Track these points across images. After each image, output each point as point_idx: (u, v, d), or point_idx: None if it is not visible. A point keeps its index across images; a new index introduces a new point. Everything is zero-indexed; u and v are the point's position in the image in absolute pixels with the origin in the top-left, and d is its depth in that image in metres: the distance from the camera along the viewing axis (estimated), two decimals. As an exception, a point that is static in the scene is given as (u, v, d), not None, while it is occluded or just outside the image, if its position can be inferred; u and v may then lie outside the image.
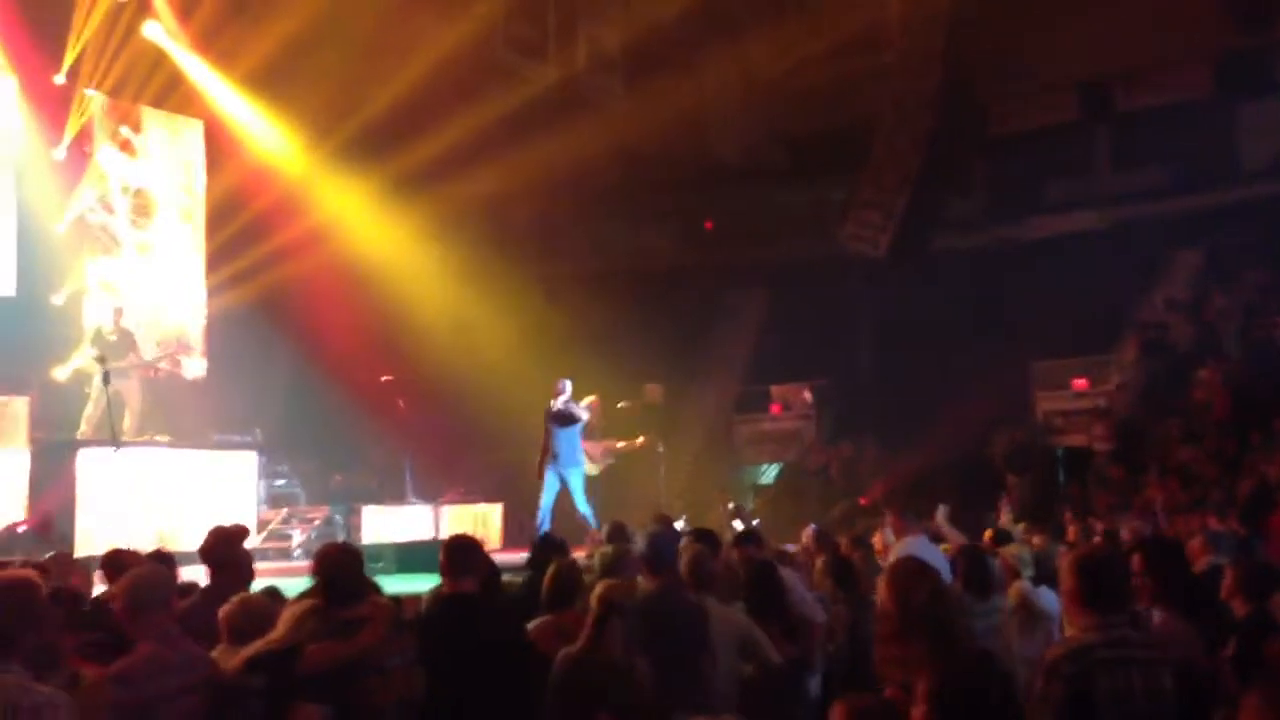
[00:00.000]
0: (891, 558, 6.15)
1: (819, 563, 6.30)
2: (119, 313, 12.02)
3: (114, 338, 11.60)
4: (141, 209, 14.06)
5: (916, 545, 6.23)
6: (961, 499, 10.61)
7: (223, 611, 4.16)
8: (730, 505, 12.65)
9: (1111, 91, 16.50)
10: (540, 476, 10.79)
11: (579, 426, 10.89)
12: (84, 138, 13.47)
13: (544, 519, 10.66)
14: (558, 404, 10.74)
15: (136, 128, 14.04)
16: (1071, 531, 8.08)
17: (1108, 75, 16.34)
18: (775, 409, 16.87)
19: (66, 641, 3.95)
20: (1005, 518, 9.89)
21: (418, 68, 13.18)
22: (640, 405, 13.12)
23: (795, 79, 14.79)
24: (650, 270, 17.35)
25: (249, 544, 5.85)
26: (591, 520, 10.75)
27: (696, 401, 16.51)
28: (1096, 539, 7.73)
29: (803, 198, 17.32)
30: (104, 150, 13.57)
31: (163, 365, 12.95)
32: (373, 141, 13.93)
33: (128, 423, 11.36)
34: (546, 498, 10.74)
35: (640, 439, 12.72)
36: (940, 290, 15.44)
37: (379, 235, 14.50)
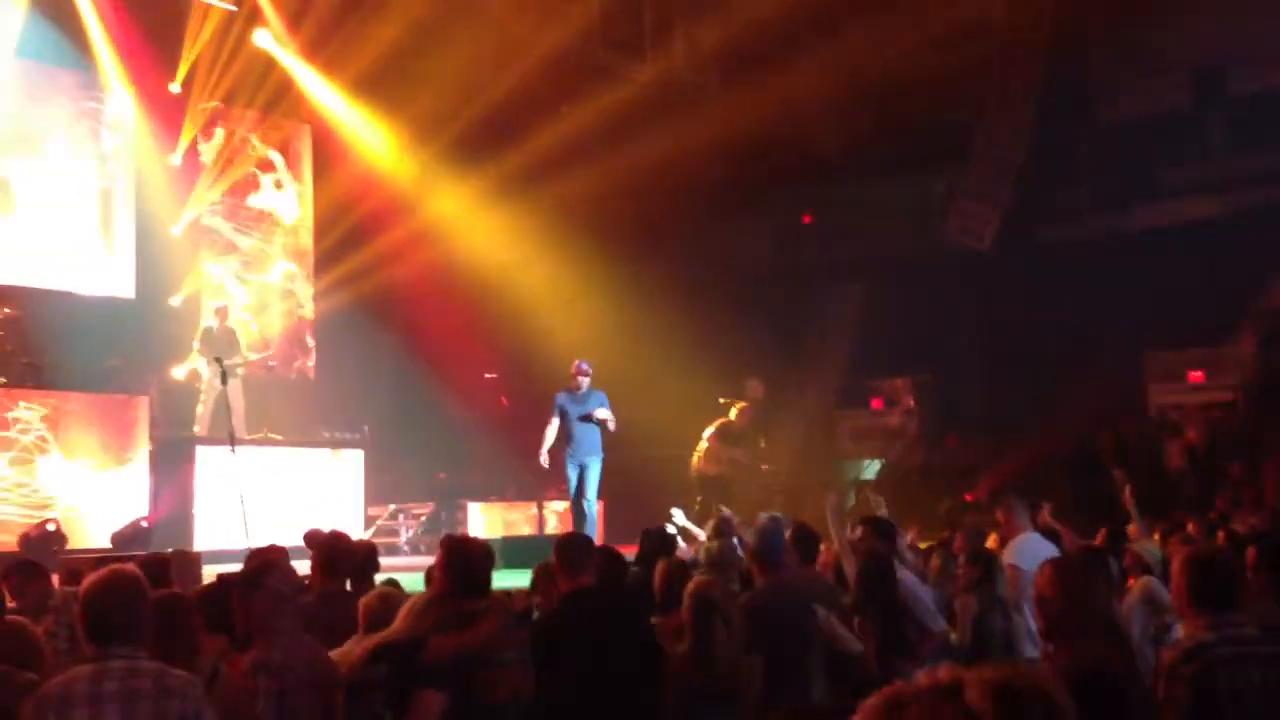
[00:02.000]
0: (1006, 556, 6.04)
1: (959, 557, 6.18)
2: (223, 312, 12.35)
3: (220, 337, 11.93)
4: (253, 213, 14.49)
5: (1030, 542, 6.09)
6: (1073, 495, 10.38)
7: (363, 602, 4.30)
8: (865, 494, 12.11)
9: (1224, 75, 15.99)
10: (549, 464, 10.13)
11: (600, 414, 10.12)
12: (197, 143, 13.93)
13: (577, 516, 10.07)
14: (584, 387, 9.99)
15: (249, 135, 14.47)
16: (1192, 527, 7.84)
17: (1220, 58, 15.82)
18: (876, 403, 16.69)
19: (205, 639, 4.09)
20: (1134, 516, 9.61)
21: (518, 70, 13.31)
22: (755, 409, 12.93)
23: (895, 70, 14.56)
24: (749, 266, 17.29)
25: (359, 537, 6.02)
26: (592, 518, 10.15)
27: (797, 396, 16.40)
28: (1220, 534, 7.50)
29: (904, 191, 17.09)
30: (218, 156, 14.03)
31: (271, 364, 13.30)
32: (476, 144, 14.11)
33: (234, 421, 11.70)
34: (572, 489, 10.06)
35: (764, 466, 12.56)
36: (1048, 282, 15.11)
37: (482, 236, 14.69)
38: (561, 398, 10.01)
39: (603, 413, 9.94)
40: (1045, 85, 15.17)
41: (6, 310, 10.95)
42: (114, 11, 12.59)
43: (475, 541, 4.55)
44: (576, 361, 10.07)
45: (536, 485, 12.64)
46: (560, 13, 13.60)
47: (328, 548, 5.42)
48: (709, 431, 11.46)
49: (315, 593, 5.11)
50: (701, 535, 9.93)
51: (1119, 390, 14.62)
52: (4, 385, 10.29)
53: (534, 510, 12.91)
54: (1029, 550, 5.82)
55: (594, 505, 10.16)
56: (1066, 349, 14.43)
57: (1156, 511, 9.47)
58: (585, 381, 9.96)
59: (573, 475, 10.00)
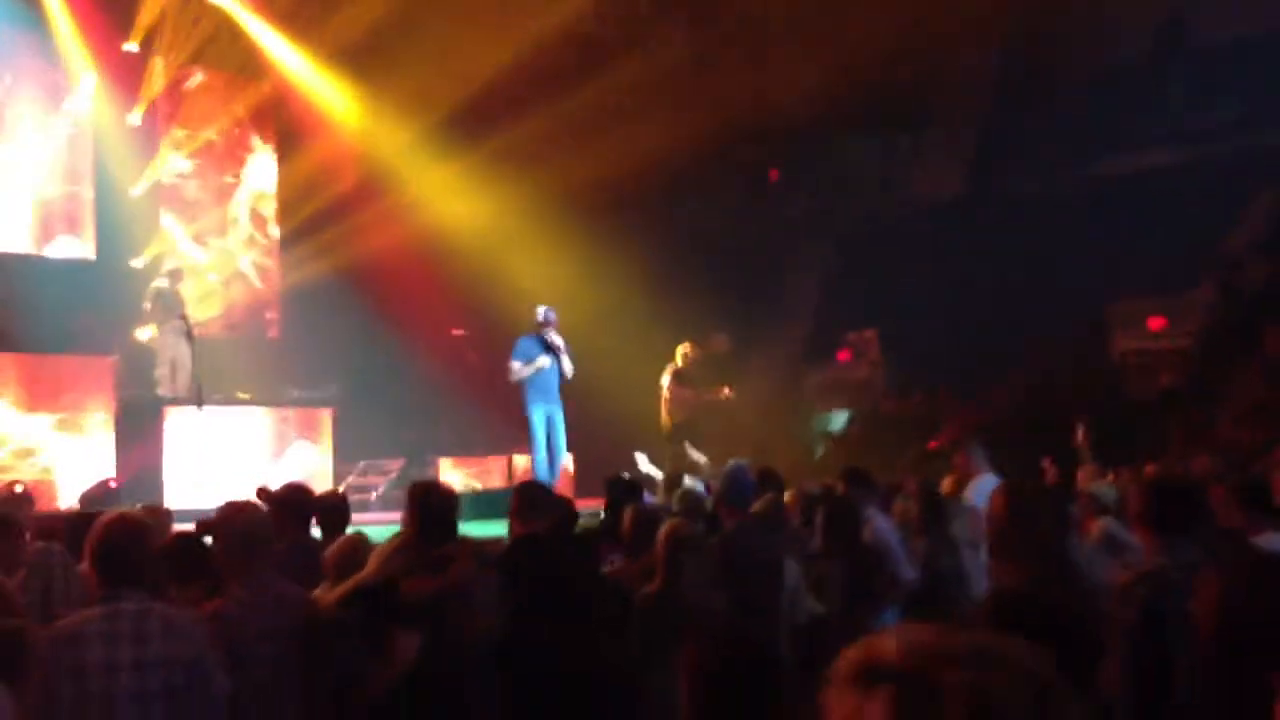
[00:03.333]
0: (967, 498, 6.16)
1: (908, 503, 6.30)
2: (176, 275, 12.16)
3: (171, 298, 11.75)
4: (215, 177, 14.40)
5: (989, 483, 6.21)
6: (1030, 441, 10.56)
7: (328, 552, 4.33)
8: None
9: (1184, 25, 16.10)
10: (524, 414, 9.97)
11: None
12: (159, 105, 13.78)
13: (542, 466, 9.92)
14: (551, 335, 9.90)
15: (212, 98, 14.34)
16: (1149, 470, 8.00)
17: (1180, 9, 15.94)
18: (844, 355, 16.81)
19: (176, 589, 4.13)
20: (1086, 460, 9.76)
21: (492, 47, 13.18)
22: (706, 354, 12.97)
23: (860, 28, 14.56)
24: (717, 223, 17.31)
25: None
26: (558, 469, 10.11)
27: (765, 350, 16.50)
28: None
29: (871, 146, 17.13)
30: (179, 117, 13.89)
31: (231, 325, 13.19)
32: (450, 120, 13.99)
33: (195, 382, 11.63)
34: (540, 438, 9.95)
35: (726, 390, 12.63)
36: (1013, 233, 15.24)
37: (450, 198, 14.63)
38: (526, 343, 9.99)
39: (566, 362, 9.95)
40: (1009, 40, 15.20)
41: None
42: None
43: (441, 486, 4.61)
44: (543, 308, 10.04)
45: (506, 439, 12.69)
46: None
47: (287, 497, 5.39)
48: (664, 380, 11.53)
49: (282, 544, 5.13)
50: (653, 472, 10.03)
51: (1082, 338, 14.80)
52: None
53: (504, 464, 12.98)
54: (986, 493, 5.93)
55: (562, 453, 10.12)
56: (1031, 299, 14.58)
57: (1113, 458, 9.66)
58: (551, 330, 9.95)
59: (539, 423, 9.93)
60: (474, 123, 14.06)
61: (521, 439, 10.65)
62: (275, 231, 14.86)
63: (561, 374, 9.94)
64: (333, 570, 4.22)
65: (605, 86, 14.08)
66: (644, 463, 10.04)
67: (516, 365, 9.82)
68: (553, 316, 9.91)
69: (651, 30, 14.82)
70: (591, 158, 14.07)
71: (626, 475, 7.62)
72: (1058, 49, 16.17)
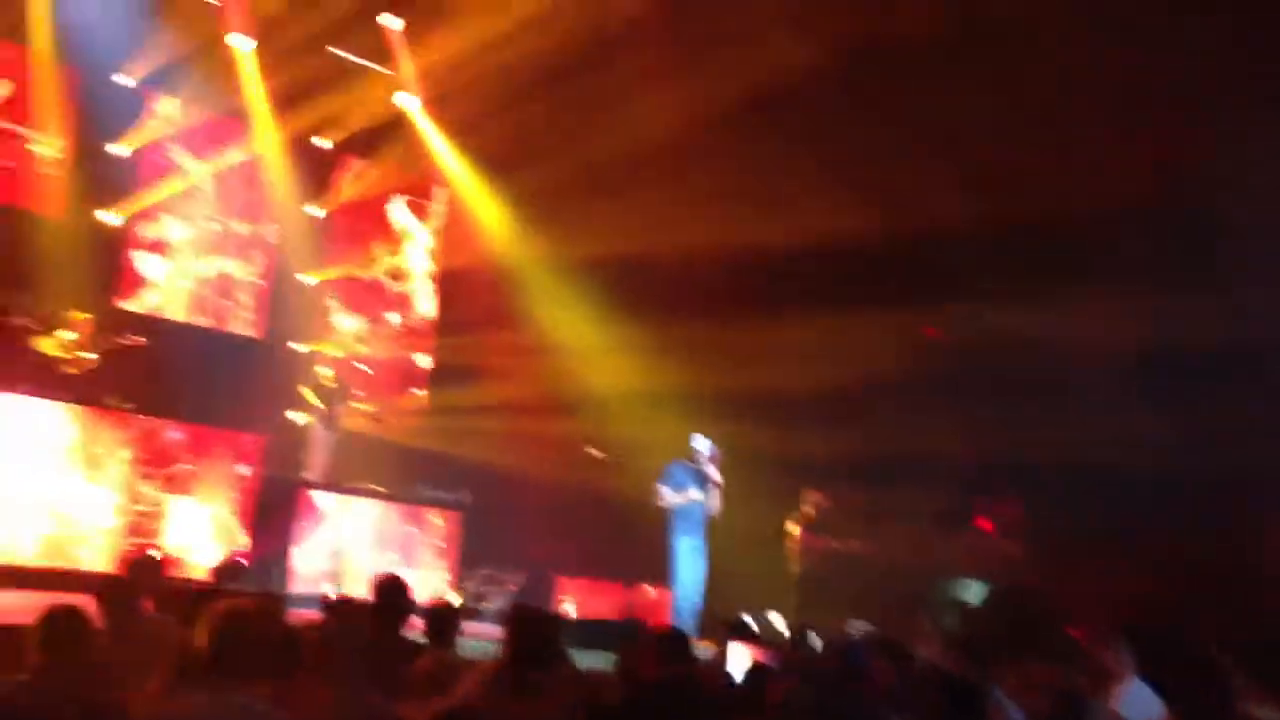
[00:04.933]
0: (1112, 703, 5.68)
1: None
2: (336, 361, 12.57)
3: (331, 385, 12.12)
4: (383, 267, 14.96)
5: (1138, 692, 5.71)
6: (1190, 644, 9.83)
7: (420, 665, 4.24)
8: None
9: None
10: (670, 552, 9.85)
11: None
12: (339, 197, 14.48)
13: (683, 604, 9.79)
14: (707, 468, 9.80)
15: (390, 195, 15.00)
16: None
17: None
18: (984, 523, 16.15)
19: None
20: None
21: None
22: (837, 505, 12.58)
23: (1028, 188, 14.32)
24: (860, 372, 16.96)
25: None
26: (693, 608, 9.87)
27: (899, 508, 15.97)
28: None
29: (1028, 297, 16.65)
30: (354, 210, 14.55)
31: (378, 417, 13.51)
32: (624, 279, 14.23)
33: (333, 470, 11.90)
34: (683, 573, 9.79)
35: (856, 544, 12.26)
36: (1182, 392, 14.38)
37: (591, 321, 14.75)
38: (678, 471, 9.82)
39: (716, 498, 9.77)
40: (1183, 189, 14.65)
41: (139, 339, 11.35)
42: (263, 62, 13.16)
43: (542, 611, 4.49)
44: (703, 439, 9.87)
45: (634, 568, 12.54)
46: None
47: (390, 598, 5.32)
48: (792, 528, 11.28)
49: (370, 639, 5.05)
50: (785, 631, 9.71)
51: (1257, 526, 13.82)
52: (128, 410, 10.61)
53: (629, 592, 12.78)
54: (1138, 702, 5.46)
55: (700, 591, 9.86)
56: (1203, 473, 13.65)
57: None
58: (707, 463, 9.72)
59: (683, 557, 9.77)
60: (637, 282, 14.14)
61: (650, 569, 10.49)
62: (428, 326, 15.28)
63: (709, 508, 9.78)
64: (424, 684, 4.11)
65: (748, 263, 14.06)
66: (779, 622, 9.73)
67: (665, 490, 9.68)
68: (714, 450, 9.71)
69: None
70: (740, 283, 14.05)
71: (748, 620, 7.38)
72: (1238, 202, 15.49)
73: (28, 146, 12.03)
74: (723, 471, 10.12)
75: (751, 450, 13.47)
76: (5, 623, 6.52)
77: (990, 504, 16.13)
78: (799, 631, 8.06)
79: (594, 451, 13.56)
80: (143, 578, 7.48)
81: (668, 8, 12.80)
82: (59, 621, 4.31)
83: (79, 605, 4.47)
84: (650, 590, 12.77)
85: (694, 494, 9.67)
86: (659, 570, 10.85)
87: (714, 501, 9.77)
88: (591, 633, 9.59)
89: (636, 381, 14.27)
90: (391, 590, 5.46)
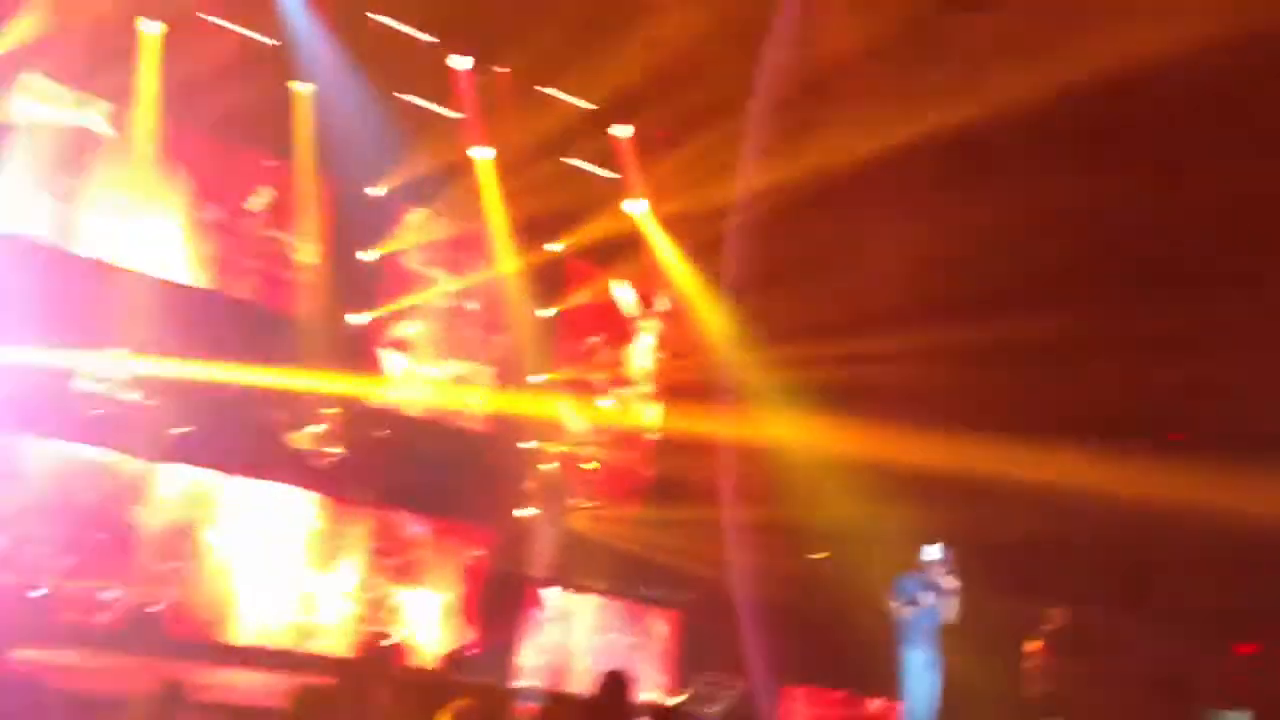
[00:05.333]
0: None
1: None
2: (560, 457, 12.74)
3: (555, 481, 12.27)
4: (609, 366, 15.31)
5: None
6: None
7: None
8: None
9: None
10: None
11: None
12: (567, 302, 14.97)
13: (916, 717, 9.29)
14: (940, 576, 9.34)
15: (618, 300, 15.41)
16: None
17: None
18: (1246, 648, 14.83)
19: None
20: None
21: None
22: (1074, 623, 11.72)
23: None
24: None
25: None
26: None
27: (1150, 629, 14.85)
28: None
29: None
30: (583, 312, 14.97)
31: (601, 511, 13.63)
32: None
33: (557, 567, 12.00)
34: (915, 686, 9.36)
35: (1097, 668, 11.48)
36: None
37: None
38: (908, 583, 9.47)
39: (951, 605, 9.34)
40: None
41: (383, 431, 11.89)
42: (501, 171, 13.77)
43: None
44: (935, 547, 9.57)
45: (864, 678, 12.08)
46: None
47: (610, 690, 5.26)
48: (1029, 647, 10.59)
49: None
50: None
51: None
52: (368, 501, 11.06)
53: (859, 704, 12.30)
54: None
55: (931, 709, 9.37)
56: None
57: None
58: (940, 571, 9.37)
59: (915, 669, 9.33)
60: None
61: (881, 681, 10.07)
62: (652, 422, 15.45)
63: (943, 617, 9.36)
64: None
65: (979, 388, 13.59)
66: None
67: (895, 605, 9.38)
68: (947, 555, 9.37)
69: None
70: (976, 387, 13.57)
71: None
72: None
73: (287, 252, 12.91)
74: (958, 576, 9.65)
75: (986, 563, 12.86)
76: (254, 703, 6.80)
77: (1251, 628, 14.84)
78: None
79: (817, 556, 13.22)
80: (380, 664, 7.70)
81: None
82: (310, 700, 4.43)
83: (327, 687, 4.59)
84: (876, 703, 12.26)
85: (924, 599, 9.26)
86: (886, 680, 10.40)
87: (949, 609, 9.31)
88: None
89: (862, 492, 13.88)
90: (615, 687, 5.40)
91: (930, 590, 9.28)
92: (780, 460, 14.44)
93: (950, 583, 9.30)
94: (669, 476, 15.06)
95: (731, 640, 13.08)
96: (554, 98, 14.00)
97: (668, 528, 14.50)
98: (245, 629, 9.89)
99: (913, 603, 9.25)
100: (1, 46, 10.88)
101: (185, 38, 11.71)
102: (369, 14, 12.57)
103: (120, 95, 11.55)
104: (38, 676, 4.19)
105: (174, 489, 9.79)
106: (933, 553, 9.39)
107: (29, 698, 4.10)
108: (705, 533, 14.20)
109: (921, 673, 9.38)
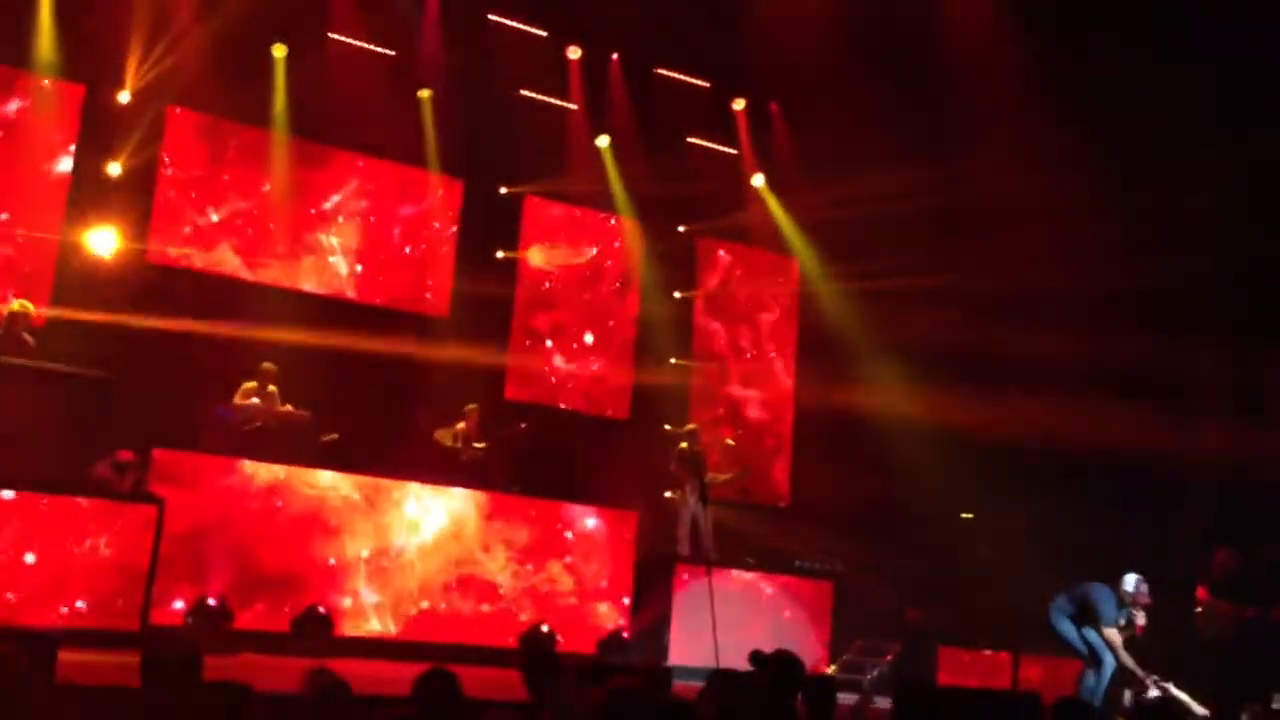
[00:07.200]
0: None
1: None
2: (697, 435, 12.77)
3: (693, 459, 12.32)
4: (745, 344, 15.33)
5: None
6: None
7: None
8: None
9: None
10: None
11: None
12: (698, 283, 15.02)
13: (1092, 686, 9.51)
14: (1137, 614, 9.59)
15: (745, 277, 15.41)
16: None
17: None
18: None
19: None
20: None
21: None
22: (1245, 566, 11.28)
23: None
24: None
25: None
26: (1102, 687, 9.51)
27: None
28: None
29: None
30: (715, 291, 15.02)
31: (745, 489, 13.66)
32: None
33: (706, 544, 12.10)
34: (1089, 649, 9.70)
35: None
36: None
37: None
38: (1114, 610, 9.54)
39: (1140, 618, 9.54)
40: None
41: (522, 424, 12.21)
42: (621, 156, 14.07)
43: (926, 684, 4.33)
44: (1130, 578, 9.57)
45: (1014, 634, 11.94)
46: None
47: (780, 667, 5.33)
48: (1203, 593, 10.37)
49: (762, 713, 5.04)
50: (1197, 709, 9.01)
51: None
52: (515, 493, 11.36)
53: (1008, 662, 12.12)
54: None
55: (1109, 673, 9.49)
56: None
57: None
58: (1137, 607, 9.57)
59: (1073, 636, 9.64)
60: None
61: (1033, 635, 10.12)
62: (791, 401, 15.40)
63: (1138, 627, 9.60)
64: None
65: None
66: (1172, 689, 9.01)
67: (1110, 633, 9.46)
68: (1143, 589, 9.54)
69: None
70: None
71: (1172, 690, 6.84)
72: None
73: (430, 257, 13.38)
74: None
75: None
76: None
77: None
78: (1227, 710, 7.35)
79: (966, 515, 13.03)
80: (539, 652, 7.92)
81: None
82: (433, 683, 4.52)
83: (451, 671, 4.68)
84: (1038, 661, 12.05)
85: (1137, 621, 9.46)
86: (1047, 638, 10.26)
87: (1139, 620, 9.46)
88: (979, 706, 9.18)
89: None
90: (785, 665, 5.48)
91: (1135, 613, 9.51)
92: (910, 429, 14.26)
93: (1141, 618, 9.53)
94: (809, 446, 15.03)
95: (884, 605, 13.04)
96: (668, 77, 14.17)
97: (813, 497, 14.48)
98: (401, 624, 10.32)
99: (1124, 627, 9.48)
100: (141, 79, 11.58)
101: (316, 56, 12.33)
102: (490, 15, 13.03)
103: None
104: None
105: (330, 493, 10.23)
106: (1130, 584, 9.50)
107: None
108: (850, 496, 14.10)
109: (1080, 638, 9.56)
